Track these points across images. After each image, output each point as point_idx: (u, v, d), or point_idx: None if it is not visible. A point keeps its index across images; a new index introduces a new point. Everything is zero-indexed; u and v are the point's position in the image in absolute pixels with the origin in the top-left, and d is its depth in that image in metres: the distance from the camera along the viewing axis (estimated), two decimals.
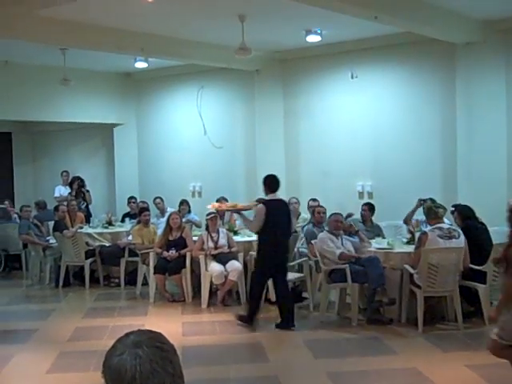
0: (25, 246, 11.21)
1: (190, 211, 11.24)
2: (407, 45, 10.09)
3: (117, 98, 13.52)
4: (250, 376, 6.05)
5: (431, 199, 8.57)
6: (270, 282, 7.88)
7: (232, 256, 8.76)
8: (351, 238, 8.13)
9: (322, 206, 9.38)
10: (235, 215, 9.36)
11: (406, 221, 8.91)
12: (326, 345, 7.00)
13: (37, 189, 15.09)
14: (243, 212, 8.04)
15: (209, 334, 7.47)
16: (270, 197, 7.59)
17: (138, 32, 9.29)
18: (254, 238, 8.23)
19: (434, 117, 10.06)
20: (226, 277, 8.55)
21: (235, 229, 9.65)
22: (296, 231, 9.32)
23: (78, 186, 12.62)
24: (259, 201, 7.91)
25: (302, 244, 9.08)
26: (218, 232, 8.98)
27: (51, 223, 10.95)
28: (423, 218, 8.36)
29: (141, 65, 11.71)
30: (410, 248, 7.73)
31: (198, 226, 10.92)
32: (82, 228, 10.80)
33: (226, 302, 8.75)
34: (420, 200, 8.73)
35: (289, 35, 9.89)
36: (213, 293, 8.93)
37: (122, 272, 10.09)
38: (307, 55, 11.08)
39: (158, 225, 10.47)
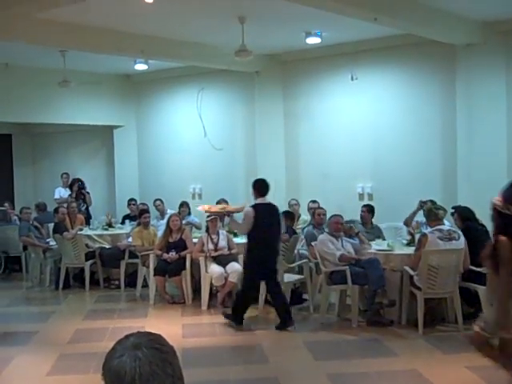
0: (25, 248, 11.20)
1: (190, 213, 11.24)
2: (407, 46, 10.09)
3: (117, 100, 13.53)
4: (250, 378, 6.04)
5: (431, 201, 8.57)
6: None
7: (232, 258, 8.77)
8: (351, 240, 8.13)
9: (322, 208, 9.38)
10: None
11: (407, 222, 8.91)
12: (326, 346, 6.99)
13: (37, 191, 15.08)
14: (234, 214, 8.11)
15: (209, 336, 7.46)
16: (260, 201, 7.65)
17: (137, 34, 9.30)
18: None
19: (434, 118, 10.06)
20: (225, 278, 8.54)
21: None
22: (296, 233, 9.34)
23: (78, 188, 12.63)
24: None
25: (302, 246, 9.08)
26: (218, 234, 8.99)
27: (51, 225, 10.94)
28: (423, 219, 8.37)
29: (141, 67, 11.71)
30: (410, 250, 7.74)
31: (198, 228, 10.92)
32: (81, 230, 10.80)
33: (226, 303, 8.73)
34: (421, 202, 8.72)
35: (289, 37, 9.90)
36: (213, 295, 8.93)
37: (122, 274, 10.08)
38: (307, 57, 11.09)
39: (158, 227, 10.47)
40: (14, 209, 12.73)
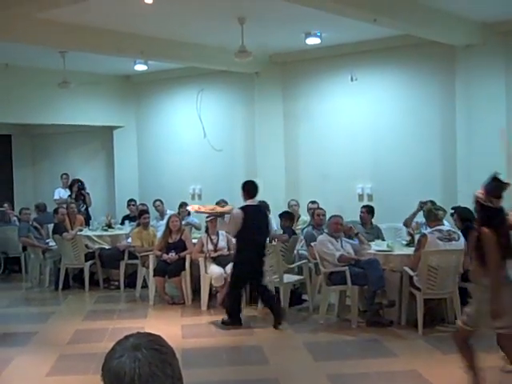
0: (24, 248, 11.19)
1: (189, 214, 11.23)
2: (407, 47, 10.10)
3: (116, 101, 13.53)
4: (249, 378, 6.05)
5: (431, 201, 8.57)
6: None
7: (231, 258, 8.75)
8: (351, 241, 8.13)
9: (321, 209, 9.38)
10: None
11: (407, 223, 8.91)
12: (326, 347, 7.00)
13: (36, 191, 15.09)
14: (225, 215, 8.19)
15: (208, 337, 7.46)
16: (249, 202, 7.70)
17: (137, 34, 9.30)
18: None
19: (434, 119, 10.07)
20: (225, 279, 8.53)
21: None
22: (296, 233, 9.34)
23: (77, 189, 12.63)
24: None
25: (302, 246, 9.08)
26: (217, 234, 8.99)
27: (51, 226, 10.94)
28: (423, 220, 8.37)
29: (140, 67, 11.71)
30: (410, 250, 7.74)
31: (198, 229, 10.92)
32: (81, 230, 10.80)
33: (226, 304, 8.73)
34: (421, 203, 8.72)
35: (288, 38, 9.90)
36: (212, 295, 8.93)
37: (122, 274, 10.08)
38: (307, 58, 11.09)
39: (158, 227, 10.47)
40: (13, 209, 12.73)
